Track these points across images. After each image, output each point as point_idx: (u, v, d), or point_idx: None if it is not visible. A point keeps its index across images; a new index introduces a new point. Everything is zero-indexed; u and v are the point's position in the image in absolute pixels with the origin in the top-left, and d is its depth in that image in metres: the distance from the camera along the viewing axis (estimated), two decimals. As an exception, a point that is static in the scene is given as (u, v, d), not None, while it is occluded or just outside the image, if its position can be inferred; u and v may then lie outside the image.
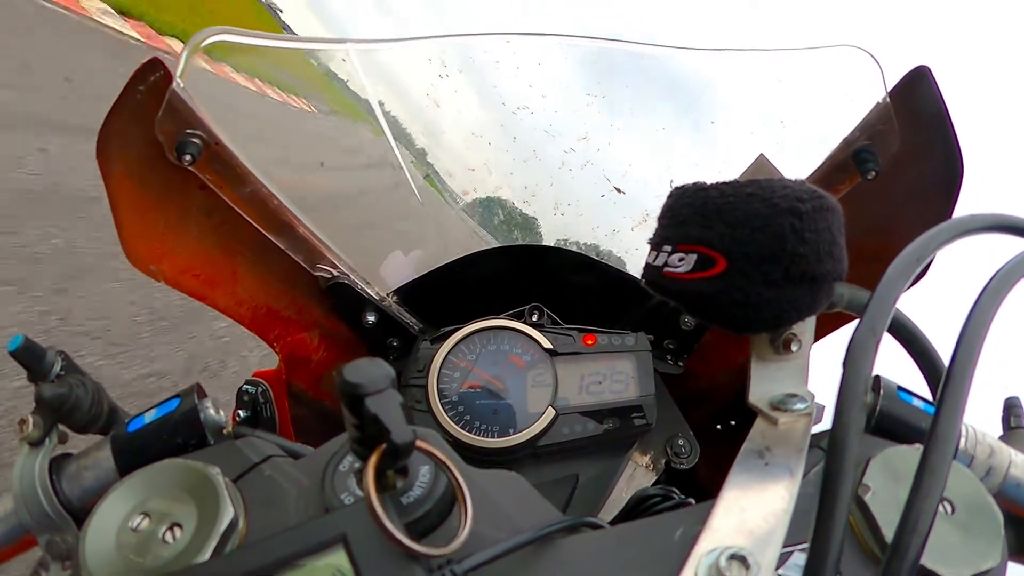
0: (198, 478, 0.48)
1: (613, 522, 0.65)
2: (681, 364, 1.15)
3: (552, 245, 1.18)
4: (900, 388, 0.67)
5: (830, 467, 0.35)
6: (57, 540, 0.56)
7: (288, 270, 1.00)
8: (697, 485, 1.04)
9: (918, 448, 0.48)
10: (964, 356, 0.37)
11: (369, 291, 1.08)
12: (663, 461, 1.04)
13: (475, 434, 0.97)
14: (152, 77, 0.75)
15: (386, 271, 1.16)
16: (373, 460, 0.39)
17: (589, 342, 1.04)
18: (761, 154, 0.98)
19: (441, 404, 0.99)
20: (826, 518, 0.34)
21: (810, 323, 0.49)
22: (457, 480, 0.44)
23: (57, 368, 0.61)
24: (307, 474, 0.50)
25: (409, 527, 0.41)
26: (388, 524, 0.37)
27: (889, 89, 0.82)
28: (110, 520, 0.46)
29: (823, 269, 0.43)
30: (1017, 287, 0.40)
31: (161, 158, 0.80)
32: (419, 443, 0.42)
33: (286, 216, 0.95)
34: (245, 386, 1.00)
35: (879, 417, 0.64)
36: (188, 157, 0.80)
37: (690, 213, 0.46)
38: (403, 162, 1.11)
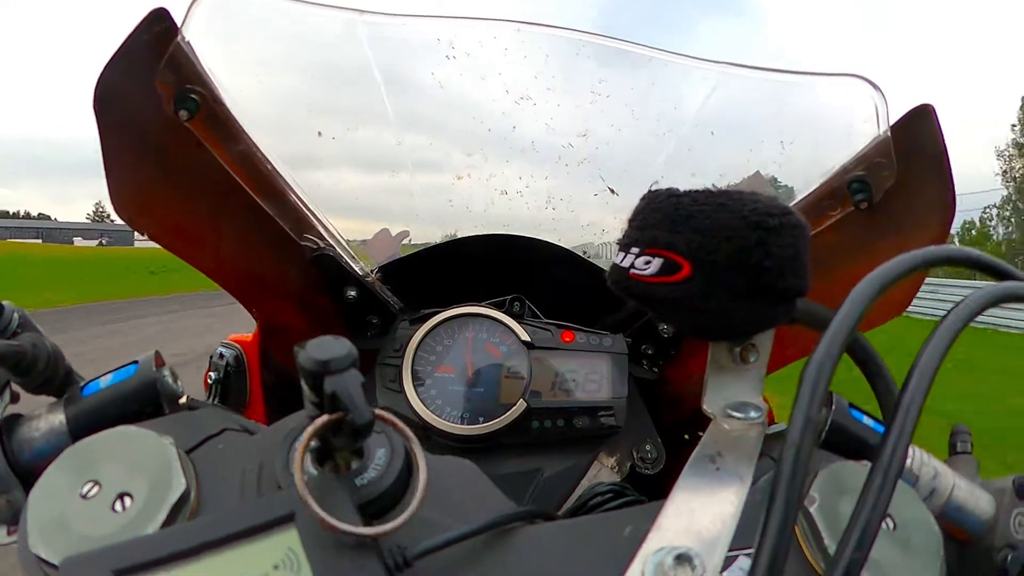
0: (150, 447, 0.48)
1: (566, 516, 0.65)
2: (656, 370, 1.16)
3: (540, 238, 1.18)
4: (851, 405, 0.68)
5: (779, 477, 0.35)
6: (3, 502, 0.55)
7: (275, 237, 1.00)
8: (661, 492, 1.04)
9: (865, 465, 0.49)
10: (918, 382, 0.37)
11: (353, 266, 1.08)
12: (629, 465, 1.04)
13: (444, 419, 0.97)
14: (157, 28, 0.75)
15: (372, 247, 1.16)
16: (307, 433, 0.39)
17: (567, 339, 1.05)
18: (757, 171, 0.99)
19: (414, 385, 0.99)
20: (772, 525, 0.34)
21: (769, 335, 0.49)
22: (415, 455, 0.44)
23: (14, 325, 0.60)
24: (263, 449, 0.50)
25: (362, 508, 0.42)
26: (313, 505, 0.37)
27: (891, 123, 0.82)
28: (58, 485, 0.46)
29: (786, 284, 0.43)
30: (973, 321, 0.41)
31: (158, 110, 0.79)
32: (379, 413, 0.42)
33: (277, 182, 0.95)
34: (219, 349, 1.00)
35: (829, 431, 0.66)
36: (185, 112, 0.80)
37: (660, 218, 0.46)
38: (402, 141, 1.11)
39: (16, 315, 0.60)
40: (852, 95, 0.86)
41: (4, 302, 0.60)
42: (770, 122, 1.04)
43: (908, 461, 0.60)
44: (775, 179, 1.02)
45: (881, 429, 0.64)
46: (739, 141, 1.10)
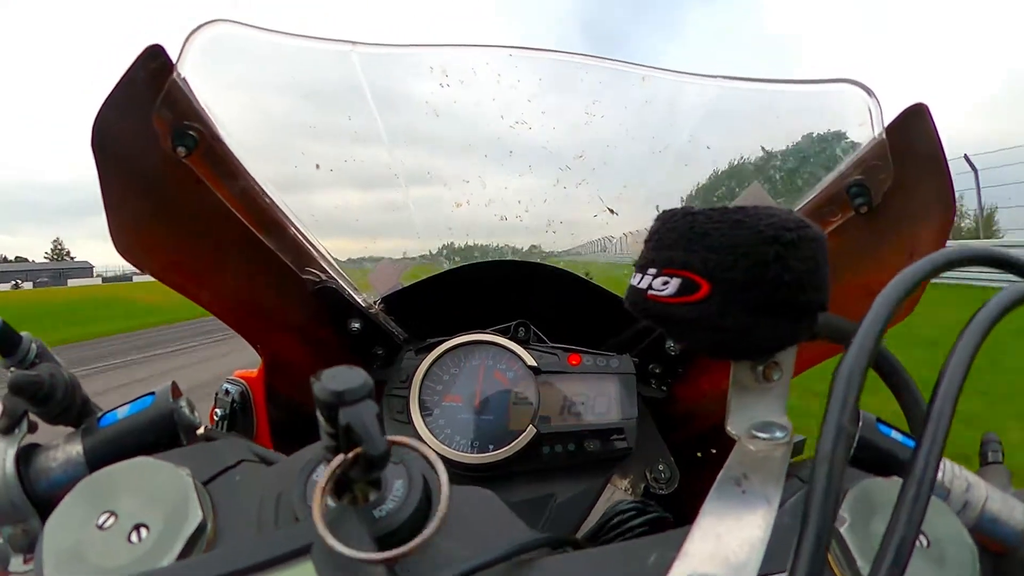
0: (168, 478, 0.48)
1: (587, 537, 0.64)
2: (665, 389, 1.15)
3: (541, 263, 1.18)
4: (879, 420, 0.67)
5: (810, 498, 0.34)
6: (19, 532, 0.55)
7: (276, 271, 0.99)
8: (676, 511, 1.03)
9: (895, 481, 0.48)
10: (945, 392, 0.37)
11: (356, 297, 1.07)
12: (642, 485, 1.03)
13: (454, 448, 0.96)
14: (153, 65, 0.75)
15: (374, 279, 1.16)
16: (330, 469, 0.39)
17: (574, 362, 1.04)
18: (756, 182, 0.99)
19: (422, 416, 0.99)
20: (804, 549, 0.33)
21: (791, 352, 0.48)
22: (438, 478, 0.43)
23: (32, 355, 0.60)
24: (280, 480, 0.50)
25: (381, 541, 0.41)
26: (329, 538, 0.37)
27: (885, 125, 0.83)
28: (75, 516, 0.45)
29: (806, 298, 0.43)
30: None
31: (156, 148, 0.79)
32: (406, 441, 0.42)
33: (277, 216, 0.95)
34: (225, 385, 0.99)
35: (857, 448, 0.64)
36: (183, 149, 0.80)
37: (676, 237, 0.46)
38: (400, 173, 1.11)
39: (34, 346, 0.61)
40: (845, 100, 0.87)
41: (23, 333, 0.60)
42: (766, 132, 1.04)
43: (939, 474, 0.59)
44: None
45: (910, 443, 0.63)
46: (736, 153, 1.10)
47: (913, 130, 0.80)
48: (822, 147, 0.98)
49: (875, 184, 0.84)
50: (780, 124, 1.01)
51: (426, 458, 0.44)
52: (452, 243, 1.21)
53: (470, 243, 1.20)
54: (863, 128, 0.85)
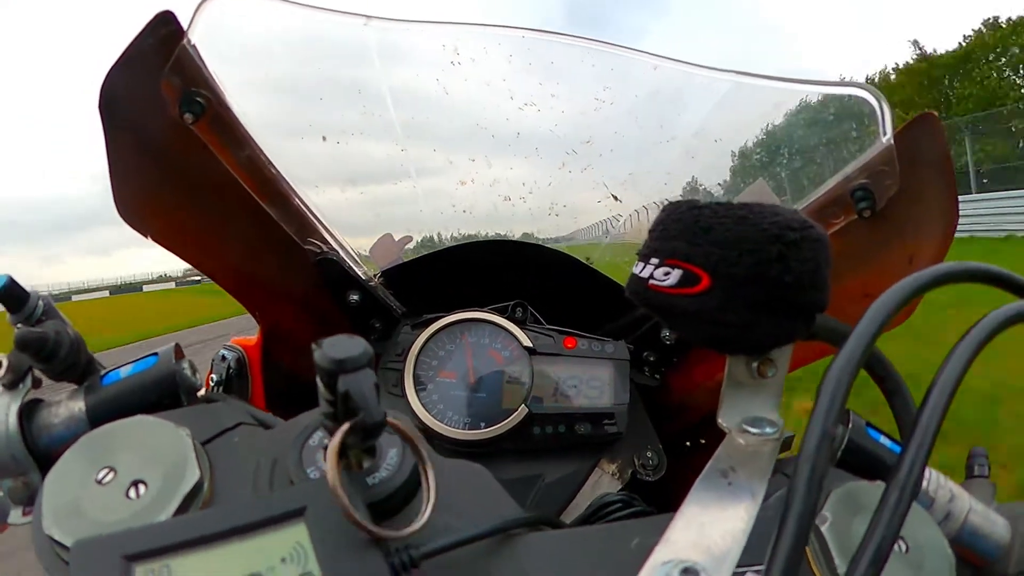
0: (167, 437, 0.48)
1: (574, 525, 0.65)
2: (658, 377, 1.16)
3: (543, 244, 1.18)
4: (868, 424, 0.68)
5: (792, 495, 0.35)
6: (19, 485, 0.56)
7: (278, 241, 0.99)
8: (661, 498, 1.04)
9: (880, 485, 0.49)
10: (935, 402, 0.37)
11: (356, 270, 1.08)
12: (630, 471, 1.05)
13: (445, 424, 0.97)
14: (163, 31, 0.75)
15: (375, 252, 1.16)
16: (337, 436, 0.39)
17: (569, 345, 1.05)
18: (760, 179, 0.99)
19: (416, 390, 0.99)
20: (783, 542, 0.34)
21: (787, 351, 0.49)
22: (424, 463, 0.44)
23: (39, 312, 0.61)
24: (277, 445, 0.50)
25: (371, 508, 0.42)
26: (346, 502, 0.37)
27: (894, 132, 0.83)
28: (75, 470, 0.46)
29: (805, 299, 0.43)
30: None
31: (163, 113, 0.79)
32: (391, 420, 0.42)
33: (281, 186, 0.95)
34: (222, 351, 1.00)
35: (845, 451, 0.65)
36: (190, 115, 0.80)
37: (680, 229, 0.46)
38: (406, 147, 1.11)
39: (41, 303, 0.62)
40: (854, 104, 0.87)
41: (30, 290, 0.61)
42: (774, 130, 1.04)
43: (924, 483, 0.60)
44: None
45: (898, 449, 0.64)
46: (743, 149, 1.11)
47: (921, 137, 0.81)
48: (828, 148, 0.98)
49: (880, 189, 0.84)
50: (788, 123, 1.01)
51: (410, 441, 0.45)
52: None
53: (471, 220, 1.20)
54: (871, 132, 0.85)
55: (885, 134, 0.83)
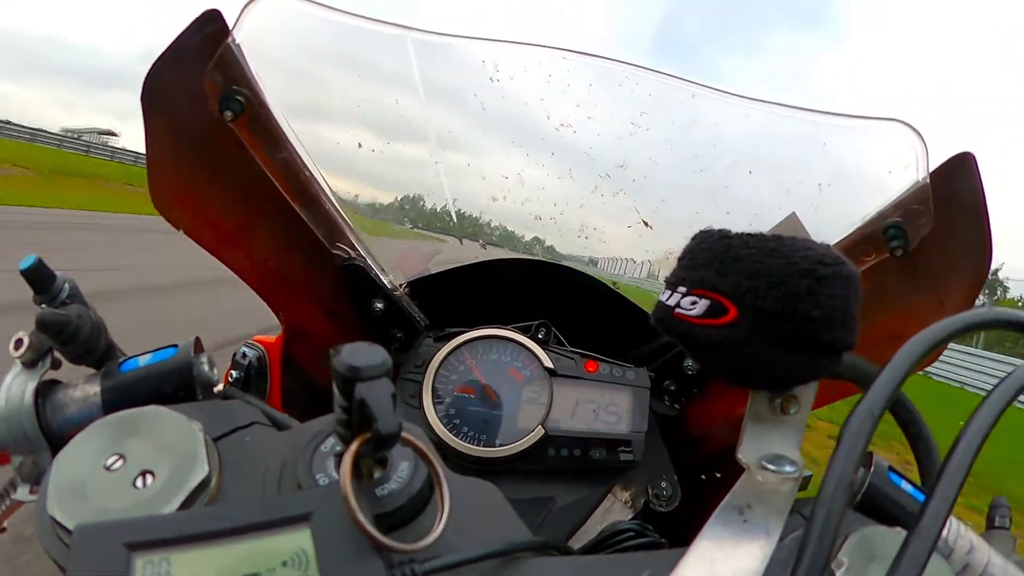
0: (179, 430, 0.48)
1: (583, 551, 0.64)
2: (678, 407, 1.15)
3: (570, 266, 1.18)
4: (891, 469, 0.66)
5: (808, 536, 0.34)
6: (29, 463, 0.56)
7: (307, 242, 1.00)
8: (673, 530, 1.03)
9: (899, 532, 0.48)
10: (963, 452, 0.36)
11: (382, 279, 1.08)
12: (643, 500, 1.03)
13: (461, 439, 0.97)
14: (209, 29, 0.77)
15: (402, 263, 1.17)
16: (354, 446, 0.39)
17: (590, 368, 1.04)
18: (793, 212, 0.98)
19: (433, 403, 0.99)
20: None
21: (812, 388, 0.48)
22: (439, 479, 0.44)
23: (63, 295, 0.62)
24: (288, 447, 0.50)
25: (378, 519, 0.41)
26: (357, 511, 0.37)
27: (930, 170, 0.82)
28: (85, 453, 0.46)
29: (833, 336, 0.42)
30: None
31: (203, 109, 0.81)
32: (405, 435, 0.42)
33: (313, 189, 0.96)
34: (243, 348, 1.01)
35: (865, 494, 0.64)
36: (230, 113, 0.81)
37: (709, 258, 0.46)
38: (441, 161, 1.12)
39: (67, 286, 0.62)
40: (892, 140, 0.86)
41: (57, 273, 0.61)
42: (809, 163, 1.03)
43: (944, 531, 0.58)
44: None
45: (920, 496, 0.62)
46: (776, 181, 1.10)
47: (957, 178, 0.79)
48: (863, 185, 0.97)
49: (913, 228, 0.83)
50: (824, 157, 1.00)
51: (424, 457, 0.44)
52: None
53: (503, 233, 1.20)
54: (907, 170, 0.84)
55: (921, 172, 0.82)
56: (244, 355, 1.04)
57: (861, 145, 0.95)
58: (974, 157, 0.78)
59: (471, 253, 1.19)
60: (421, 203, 1.21)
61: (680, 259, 0.49)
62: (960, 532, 0.58)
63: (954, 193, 0.79)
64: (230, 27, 0.78)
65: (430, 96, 1.04)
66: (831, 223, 0.96)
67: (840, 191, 0.99)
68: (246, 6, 0.79)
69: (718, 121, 1.04)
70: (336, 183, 0.99)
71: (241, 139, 0.85)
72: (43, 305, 0.61)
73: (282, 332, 1.05)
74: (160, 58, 0.75)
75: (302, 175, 0.93)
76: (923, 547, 0.34)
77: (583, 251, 1.20)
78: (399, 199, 1.20)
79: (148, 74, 0.75)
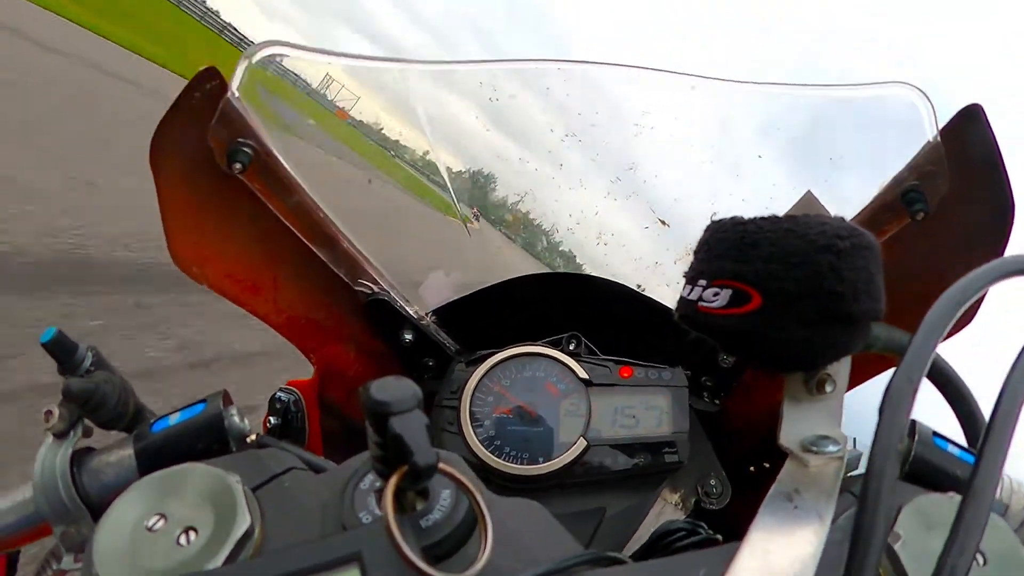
0: (217, 484, 0.48)
1: (636, 556, 0.63)
2: (718, 402, 1.13)
3: (593, 274, 1.18)
4: (935, 434, 0.64)
5: (862, 515, 0.34)
6: (72, 531, 0.57)
7: (329, 283, 1.01)
8: (727, 527, 1.01)
9: (952, 496, 0.47)
10: (1007, 406, 0.35)
11: (408, 309, 1.09)
12: (693, 500, 1.02)
13: (505, 460, 0.96)
14: (208, 85, 0.78)
15: (426, 291, 1.17)
16: (393, 480, 0.39)
17: (625, 374, 1.03)
18: (808, 191, 0.97)
19: (472, 427, 0.99)
20: (856, 567, 0.33)
21: (845, 364, 0.47)
22: (479, 506, 0.43)
23: (87, 363, 0.62)
24: (327, 489, 0.50)
25: (426, 551, 0.41)
26: (404, 546, 0.37)
27: (940, 128, 0.80)
28: (126, 517, 0.46)
29: (860, 308, 0.41)
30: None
31: (212, 164, 0.82)
32: (442, 466, 0.42)
33: (330, 229, 0.97)
34: (278, 393, 1.01)
35: (913, 463, 0.62)
36: (238, 165, 0.82)
37: (726, 248, 0.45)
38: (449, 185, 1.12)
39: (90, 354, 0.63)
40: (898, 104, 0.85)
41: (79, 343, 0.62)
42: (818, 139, 1.02)
43: (998, 490, 0.57)
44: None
45: (967, 457, 0.61)
46: (788, 162, 1.09)
47: (968, 132, 0.78)
48: (876, 153, 0.96)
49: (931, 189, 0.82)
50: (832, 130, 0.99)
51: (464, 488, 0.44)
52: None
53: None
54: (917, 132, 0.82)
55: (930, 132, 0.81)
56: (281, 400, 1.05)
57: (868, 114, 0.94)
58: (981, 108, 0.76)
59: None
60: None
61: (696, 252, 0.49)
62: (1014, 488, 0.57)
63: (967, 147, 0.78)
64: (228, 82, 0.80)
65: (433, 124, 1.05)
66: (848, 197, 0.95)
67: (853, 162, 0.98)
68: (241, 59, 0.81)
69: (721, 109, 1.04)
70: (348, 219, 1.00)
71: (253, 189, 0.86)
72: (68, 375, 0.62)
73: (315, 374, 1.05)
74: (164, 119, 0.77)
75: (316, 216, 0.94)
76: (980, 509, 0.33)
77: (603, 258, 1.19)
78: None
79: (154, 136, 0.77)
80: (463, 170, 1.16)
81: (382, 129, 1.14)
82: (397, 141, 1.18)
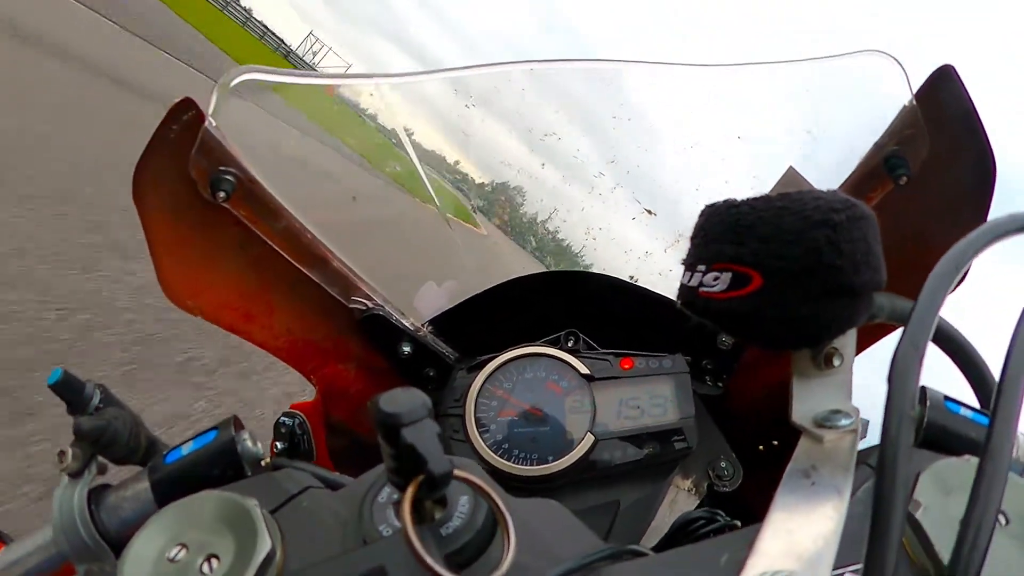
0: (235, 509, 0.48)
1: (657, 548, 0.63)
2: (720, 384, 1.13)
3: (585, 270, 1.18)
4: (947, 398, 0.65)
5: (881, 486, 0.34)
6: (95, 569, 0.57)
7: (323, 303, 1.01)
8: (742, 508, 1.01)
9: (968, 459, 0.47)
10: (1016, 363, 0.36)
11: (404, 322, 1.09)
12: (706, 484, 1.02)
13: (514, 462, 0.96)
14: (185, 116, 0.78)
15: (420, 302, 1.17)
16: (410, 491, 0.39)
17: (626, 366, 1.03)
18: (790, 167, 0.97)
19: (479, 433, 0.99)
20: (879, 538, 0.33)
21: (851, 336, 0.47)
22: (500, 509, 0.44)
23: (96, 401, 0.62)
24: (345, 505, 0.50)
25: (448, 558, 0.41)
26: (426, 556, 0.37)
27: (915, 92, 0.81)
28: (148, 550, 0.46)
29: (861, 280, 0.42)
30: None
31: (195, 195, 0.81)
32: (459, 472, 0.42)
33: (320, 250, 0.96)
34: (282, 418, 1.01)
35: (926, 429, 0.62)
36: (222, 194, 0.82)
37: (722, 231, 0.45)
38: (433, 194, 1.12)
39: (97, 392, 0.63)
40: (872, 71, 0.85)
41: (86, 381, 0.62)
42: (794, 113, 1.02)
43: (1014, 450, 0.57)
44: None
45: (980, 419, 0.61)
46: (767, 140, 1.09)
47: (942, 92, 0.79)
48: (853, 122, 0.96)
49: (912, 153, 0.82)
50: (808, 104, 0.99)
51: (482, 492, 0.44)
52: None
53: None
54: (892, 97, 0.83)
55: (906, 96, 0.82)
56: (285, 424, 1.04)
57: (841, 83, 0.94)
58: (954, 68, 0.77)
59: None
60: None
61: (692, 238, 0.49)
62: None
63: (942, 107, 0.79)
64: (204, 111, 0.79)
65: (411, 135, 1.04)
66: (830, 168, 0.96)
67: (831, 133, 0.99)
68: (215, 87, 0.80)
69: (695, 94, 1.04)
70: (336, 238, 1.00)
71: (239, 217, 0.85)
72: (77, 414, 0.61)
73: (317, 395, 1.05)
74: (144, 154, 0.76)
75: (305, 238, 0.93)
76: (998, 469, 0.34)
77: (593, 252, 1.19)
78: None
79: (135, 172, 0.76)
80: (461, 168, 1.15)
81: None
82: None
